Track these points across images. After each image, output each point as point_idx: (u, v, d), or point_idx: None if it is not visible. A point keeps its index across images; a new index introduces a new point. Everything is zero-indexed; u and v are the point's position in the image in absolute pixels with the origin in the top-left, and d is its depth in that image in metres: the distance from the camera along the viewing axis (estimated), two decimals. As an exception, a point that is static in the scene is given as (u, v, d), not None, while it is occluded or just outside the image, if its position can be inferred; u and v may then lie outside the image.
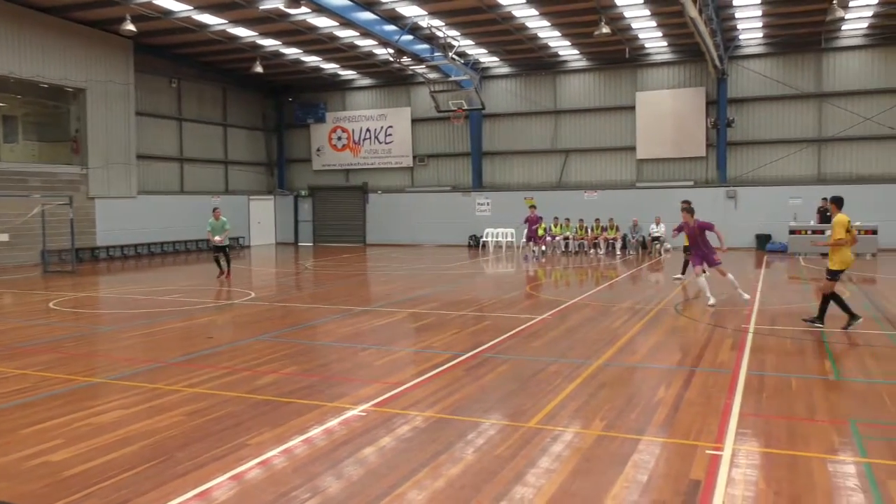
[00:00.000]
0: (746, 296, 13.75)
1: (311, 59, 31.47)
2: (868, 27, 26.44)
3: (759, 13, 24.77)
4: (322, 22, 25.17)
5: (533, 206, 26.30)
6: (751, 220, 28.49)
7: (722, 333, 11.01)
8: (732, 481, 5.23)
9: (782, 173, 28.96)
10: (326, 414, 6.97)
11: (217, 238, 19.78)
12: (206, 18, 25.04)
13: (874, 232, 24.50)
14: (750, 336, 10.71)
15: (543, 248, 26.25)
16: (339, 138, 36.49)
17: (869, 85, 27.64)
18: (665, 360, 9.44)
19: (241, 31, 26.70)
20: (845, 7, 22.80)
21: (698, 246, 14.08)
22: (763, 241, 28.06)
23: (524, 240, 26.90)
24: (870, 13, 24.70)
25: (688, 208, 14.42)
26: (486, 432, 6.41)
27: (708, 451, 5.82)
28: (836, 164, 28.43)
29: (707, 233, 14.09)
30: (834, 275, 10.87)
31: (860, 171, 27.97)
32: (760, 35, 27.83)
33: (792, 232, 26.08)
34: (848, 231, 10.75)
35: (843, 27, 26.47)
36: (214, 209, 20.92)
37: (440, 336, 11.18)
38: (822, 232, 23.58)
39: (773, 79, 28.85)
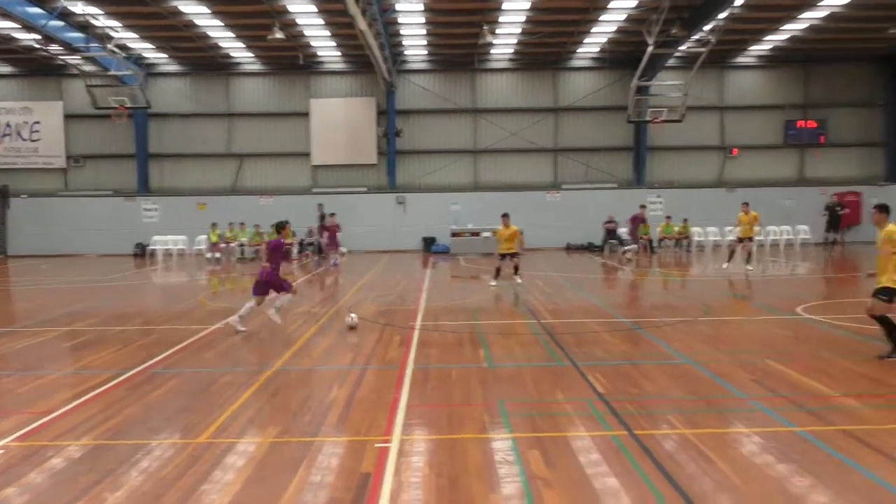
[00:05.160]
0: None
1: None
2: (513, 52, 29.98)
3: (423, 31, 26.71)
4: (-57, -5, 21.40)
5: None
6: (418, 224, 30.56)
7: (391, 332, 11.64)
8: (400, 470, 5.57)
9: (445, 181, 31.55)
10: (-48, 455, 5.94)
11: None
12: None
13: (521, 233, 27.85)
14: (416, 332, 11.48)
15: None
16: (-29, 133, 31.38)
17: (514, 103, 31.38)
18: (338, 360, 9.70)
19: None
20: (493, 33, 25.68)
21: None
22: (429, 243, 30.27)
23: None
24: (514, 40, 28.04)
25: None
26: (152, 453, 6.00)
27: (377, 445, 6.11)
28: (490, 174, 31.77)
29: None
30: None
31: (509, 180, 31.57)
32: (425, 52, 30.02)
33: (454, 234, 28.73)
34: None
35: (493, 51, 29.69)
36: None
37: (100, 354, 10.18)
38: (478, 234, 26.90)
39: (435, 93, 31.30)
